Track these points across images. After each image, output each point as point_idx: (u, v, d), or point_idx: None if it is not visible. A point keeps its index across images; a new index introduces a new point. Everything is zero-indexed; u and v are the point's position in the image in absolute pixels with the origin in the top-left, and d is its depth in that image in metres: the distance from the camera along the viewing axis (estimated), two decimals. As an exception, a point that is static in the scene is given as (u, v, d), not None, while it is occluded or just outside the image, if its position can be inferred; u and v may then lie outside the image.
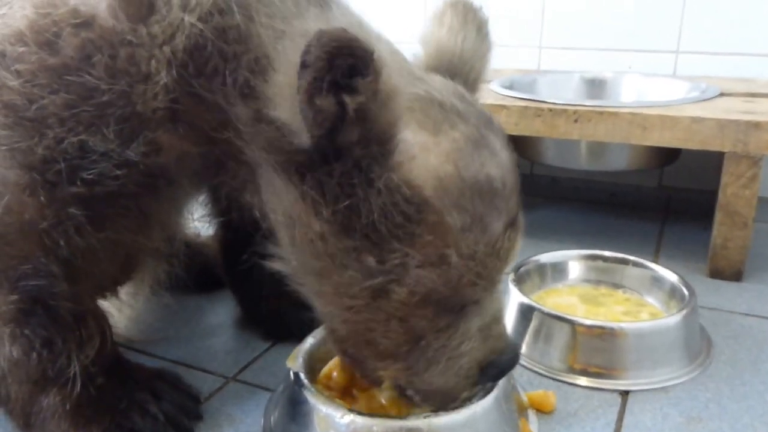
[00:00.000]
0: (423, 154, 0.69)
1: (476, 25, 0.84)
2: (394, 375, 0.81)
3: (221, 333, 1.20)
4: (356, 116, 0.65)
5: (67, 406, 0.85)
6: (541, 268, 1.26)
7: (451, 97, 0.74)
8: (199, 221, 1.22)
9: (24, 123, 0.75)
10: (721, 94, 1.53)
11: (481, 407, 0.83)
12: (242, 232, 1.10)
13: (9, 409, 0.88)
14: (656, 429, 0.93)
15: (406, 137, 0.69)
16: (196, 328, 1.22)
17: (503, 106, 1.44)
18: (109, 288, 1.00)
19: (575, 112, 1.39)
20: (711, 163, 1.54)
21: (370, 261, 0.71)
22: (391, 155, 0.69)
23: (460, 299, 0.75)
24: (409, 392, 0.82)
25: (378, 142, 0.68)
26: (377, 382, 0.84)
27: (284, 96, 0.68)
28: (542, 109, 1.41)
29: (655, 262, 1.24)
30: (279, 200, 0.75)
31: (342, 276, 0.73)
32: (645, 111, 1.35)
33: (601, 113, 1.37)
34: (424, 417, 0.81)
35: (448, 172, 0.69)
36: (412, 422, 0.80)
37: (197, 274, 1.28)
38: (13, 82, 0.74)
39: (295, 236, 0.74)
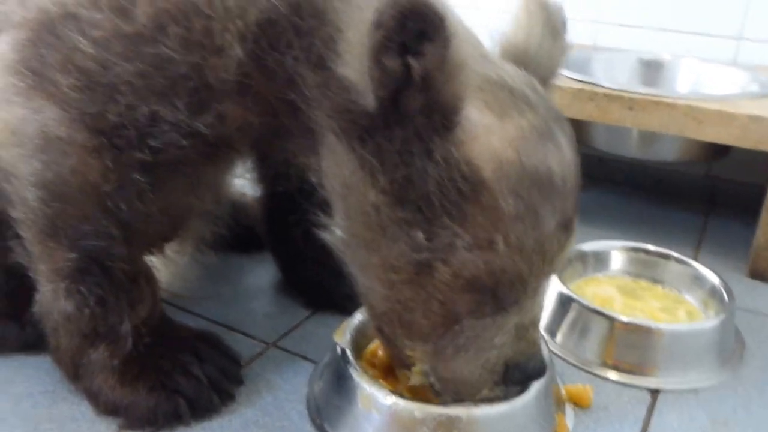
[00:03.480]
0: (486, 135, 0.73)
1: (552, 26, 0.87)
2: (422, 357, 0.85)
3: (262, 296, 1.27)
4: (421, 82, 0.70)
5: (115, 362, 0.93)
6: (583, 257, 1.32)
7: (523, 85, 0.78)
8: (243, 180, 1.27)
9: (96, 88, 0.80)
10: (782, 91, 1.55)
11: (521, 401, 0.89)
12: (287, 199, 1.16)
13: (58, 358, 0.96)
14: (683, 430, 0.98)
15: (472, 115, 0.74)
16: (237, 288, 1.29)
17: (556, 87, 1.46)
18: (158, 245, 1.05)
19: (630, 99, 1.42)
20: (762, 156, 1.57)
21: (420, 236, 0.75)
22: (454, 129, 0.73)
23: (501, 296, 0.79)
24: (432, 379, 0.87)
25: (441, 113, 0.72)
26: (405, 365, 0.88)
27: (354, 54, 0.72)
28: (597, 93, 1.45)
29: (696, 256, 1.30)
30: (339, 169, 0.79)
31: (390, 249, 0.78)
32: (702, 104, 1.38)
33: (657, 103, 1.40)
34: (464, 406, 0.87)
35: (509, 157, 0.73)
36: (453, 410, 0.86)
37: (240, 234, 1.33)
38: (87, 47, 0.79)
39: (349, 206, 0.80)
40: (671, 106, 1.39)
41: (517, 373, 0.85)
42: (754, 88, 1.58)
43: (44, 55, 0.81)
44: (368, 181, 0.76)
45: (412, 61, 0.69)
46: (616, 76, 1.81)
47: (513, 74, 0.79)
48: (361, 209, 0.78)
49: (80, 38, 0.79)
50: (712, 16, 1.86)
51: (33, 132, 0.82)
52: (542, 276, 0.80)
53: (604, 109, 1.45)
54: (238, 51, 0.79)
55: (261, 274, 1.34)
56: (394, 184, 0.75)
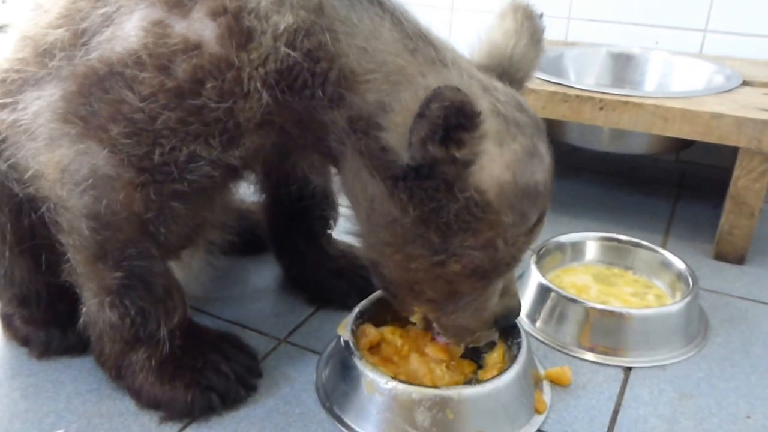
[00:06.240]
0: (490, 164, 0.88)
1: (531, 32, 1.01)
2: (427, 312, 1.07)
3: (269, 296, 1.42)
4: (458, 160, 0.86)
5: (153, 363, 1.07)
6: (561, 248, 1.48)
7: (512, 109, 0.93)
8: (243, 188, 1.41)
9: (142, 134, 0.93)
10: (744, 83, 1.70)
11: (503, 381, 1.05)
12: (289, 205, 1.32)
13: (102, 362, 1.11)
14: (652, 403, 1.14)
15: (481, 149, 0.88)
16: (245, 290, 1.44)
17: (532, 90, 1.61)
18: (175, 253, 1.18)
19: (601, 100, 1.57)
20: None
21: (436, 242, 0.93)
22: (470, 168, 0.88)
23: (495, 274, 0.99)
24: (434, 325, 1.09)
25: (465, 166, 0.87)
26: (410, 312, 1.09)
27: (398, 131, 0.86)
28: (569, 96, 1.60)
29: (666, 240, 1.45)
30: (363, 189, 0.95)
31: (410, 249, 0.95)
32: (667, 103, 1.54)
33: (626, 103, 1.56)
34: (455, 388, 1.04)
35: (507, 180, 0.90)
36: (445, 392, 1.02)
37: (243, 238, 1.47)
38: (134, 100, 0.92)
39: (372, 216, 0.96)
40: (639, 106, 1.55)
41: (503, 320, 1.07)
42: (719, 80, 1.74)
43: (93, 105, 0.93)
44: (396, 207, 0.92)
45: (455, 151, 0.85)
46: (587, 71, 1.97)
47: (503, 98, 0.94)
48: (384, 222, 0.95)
49: (128, 93, 0.92)
50: (679, 9, 2.01)
51: (84, 171, 0.95)
52: (525, 253, 1.01)
53: (577, 110, 1.60)
54: (263, 94, 0.93)
55: (265, 274, 1.48)
56: (421, 213, 0.91)
